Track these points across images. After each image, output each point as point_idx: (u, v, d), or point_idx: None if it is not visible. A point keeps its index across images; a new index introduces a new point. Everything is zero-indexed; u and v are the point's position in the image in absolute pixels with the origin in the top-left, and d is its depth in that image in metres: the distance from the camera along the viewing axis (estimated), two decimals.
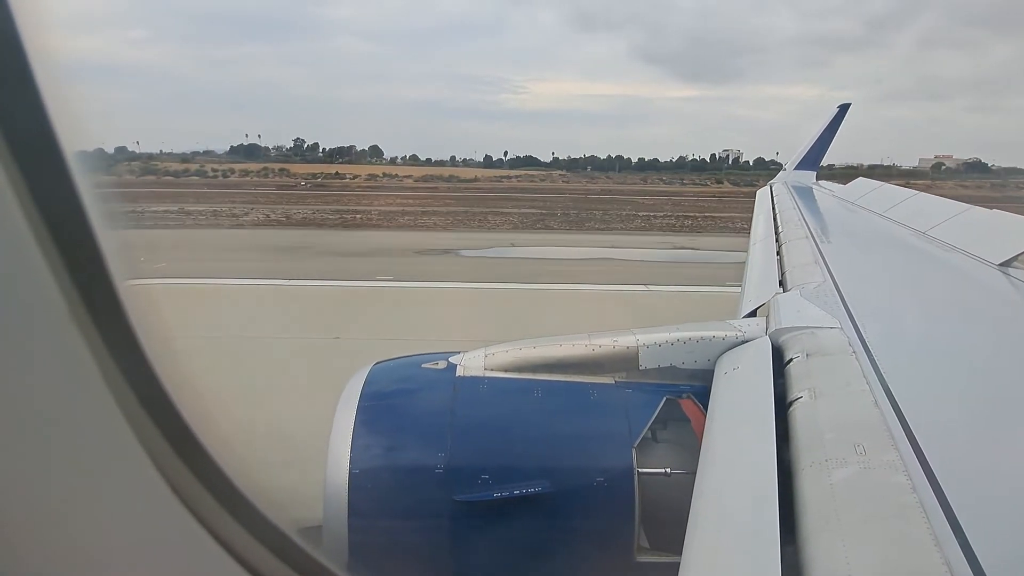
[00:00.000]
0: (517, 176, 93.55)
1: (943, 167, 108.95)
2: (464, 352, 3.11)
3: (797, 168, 15.93)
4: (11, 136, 0.68)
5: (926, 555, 1.37)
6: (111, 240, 0.78)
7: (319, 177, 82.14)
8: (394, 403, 2.93)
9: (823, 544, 1.47)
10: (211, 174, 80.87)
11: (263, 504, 1.05)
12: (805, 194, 11.47)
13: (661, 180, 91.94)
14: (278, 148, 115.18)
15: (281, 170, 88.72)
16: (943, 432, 2.02)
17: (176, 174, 77.84)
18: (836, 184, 13.99)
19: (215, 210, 40.03)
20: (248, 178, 79.62)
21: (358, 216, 40.15)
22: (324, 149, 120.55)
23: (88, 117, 0.74)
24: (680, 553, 1.69)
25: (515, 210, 44.71)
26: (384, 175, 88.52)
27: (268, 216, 39.23)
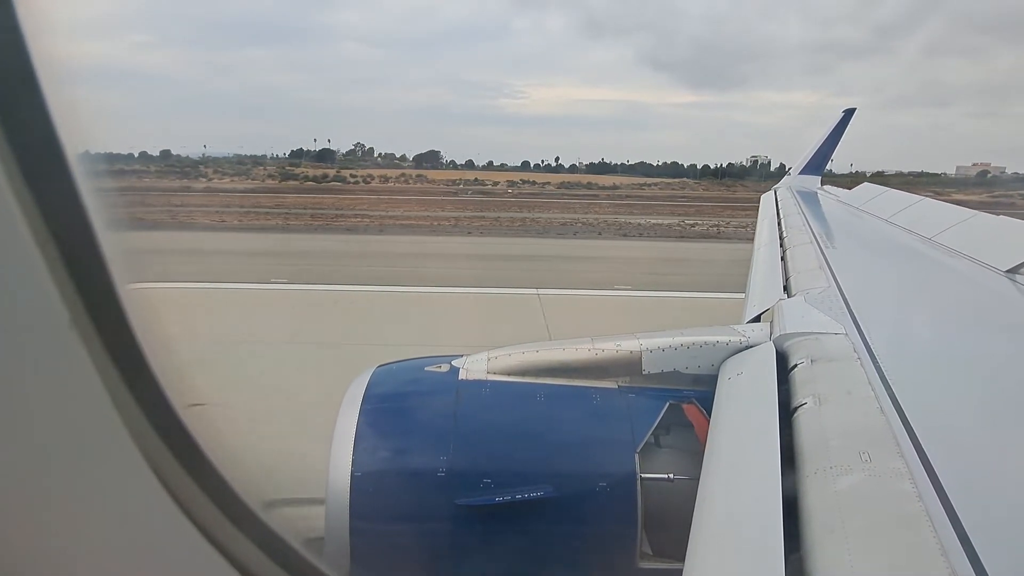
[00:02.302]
0: (656, 184, 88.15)
1: (988, 175, 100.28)
2: (467, 355, 3.10)
3: (802, 172, 15.86)
4: (13, 139, 0.68)
5: (932, 564, 1.35)
6: (113, 243, 0.78)
7: (459, 183, 78.42)
8: (397, 406, 2.93)
9: (828, 552, 1.46)
10: (350, 180, 77.72)
11: (262, 510, 1.04)
12: (809, 199, 11.42)
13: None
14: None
15: (418, 176, 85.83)
16: (949, 440, 2.01)
17: (317, 179, 75.84)
18: (841, 189, 13.92)
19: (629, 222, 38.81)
20: (393, 184, 76.41)
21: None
22: (380, 154, 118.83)
23: (92, 120, 0.74)
24: (683, 560, 1.68)
25: None
26: (522, 181, 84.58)
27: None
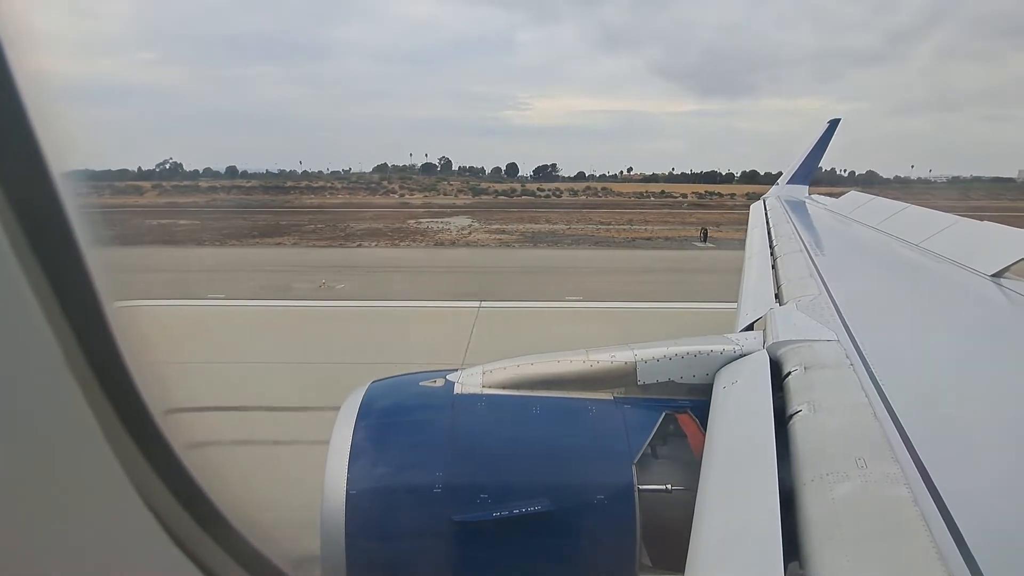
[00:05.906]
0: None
1: None
2: (462, 369, 3.09)
3: (789, 182, 16.07)
4: None
5: (930, 569, 1.35)
6: (98, 259, 0.77)
7: (648, 195, 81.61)
8: (391, 422, 2.90)
9: (826, 560, 1.45)
10: (518, 194, 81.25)
11: (242, 525, 1.03)
12: (798, 208, 11.55)
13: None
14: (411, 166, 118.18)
15: (587, 189, 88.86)
16: (943, 444, 2.01)
17: (507, 194, 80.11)
18: (828, 198, 14.11)
19: None
20: (593, 198, 78.91)
21: None
22: (458, 167, 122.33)
23: (79, 137, 0.74)
24: (682, 570, 1.67)
25: None
26: (707, 192, 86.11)
27: None
